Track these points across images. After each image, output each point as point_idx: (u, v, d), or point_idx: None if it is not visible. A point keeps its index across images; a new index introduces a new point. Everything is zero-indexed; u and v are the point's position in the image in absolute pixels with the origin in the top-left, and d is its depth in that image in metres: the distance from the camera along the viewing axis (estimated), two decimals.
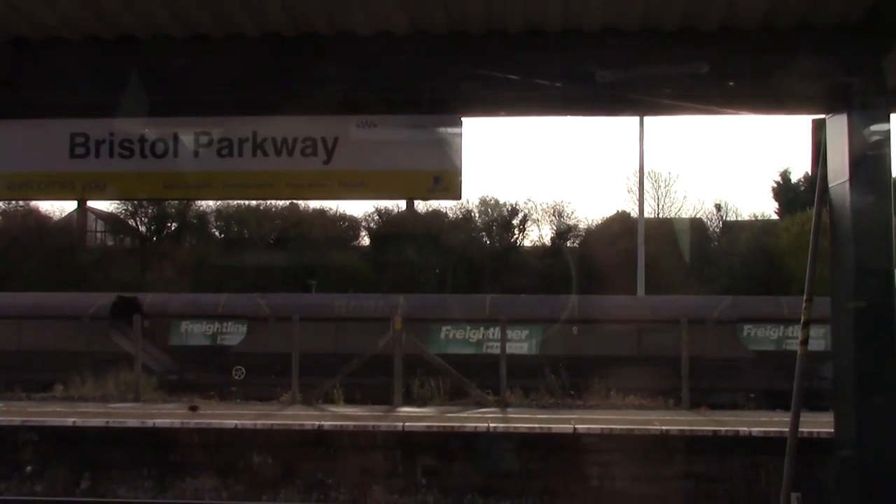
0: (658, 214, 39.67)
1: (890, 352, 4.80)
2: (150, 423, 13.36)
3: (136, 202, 34.57)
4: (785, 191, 39.20)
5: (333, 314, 20.70)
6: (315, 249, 33.89)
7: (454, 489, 12.64)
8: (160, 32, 6.43)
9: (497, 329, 18.19)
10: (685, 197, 69.01)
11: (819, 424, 11.22)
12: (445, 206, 36.77)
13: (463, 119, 6.73)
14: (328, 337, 19.80)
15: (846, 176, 5.27)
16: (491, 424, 13.28)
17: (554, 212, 37.72)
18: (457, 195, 6.82)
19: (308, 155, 6.87)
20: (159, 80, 6.56)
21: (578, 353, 19.05)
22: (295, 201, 34.69)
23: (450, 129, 6.70)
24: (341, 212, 38.33)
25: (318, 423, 13.35)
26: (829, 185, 5.65)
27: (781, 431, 11.44)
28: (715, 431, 13.11)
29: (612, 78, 5.79)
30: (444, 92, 6.54)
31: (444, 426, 13.30)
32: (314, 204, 37.06)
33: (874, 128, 5.29)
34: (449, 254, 32.90)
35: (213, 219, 37.90)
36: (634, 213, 32.05)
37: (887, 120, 5.33)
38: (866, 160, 5.20)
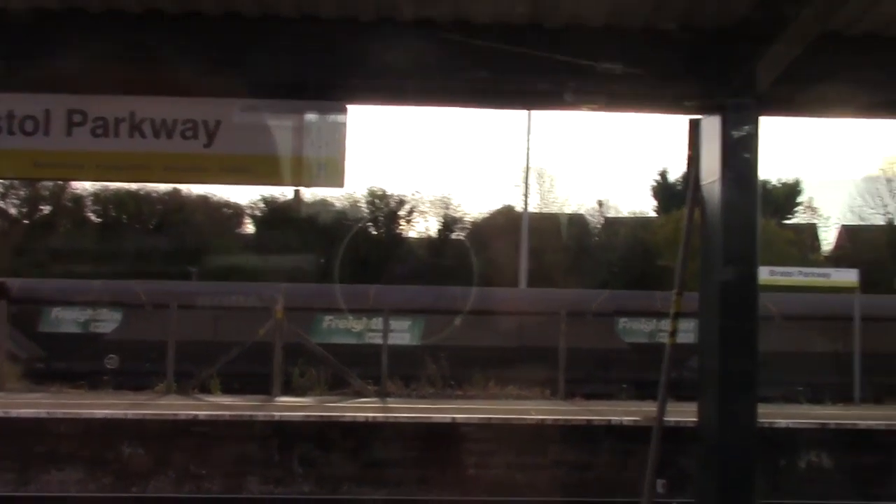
0: (542, 209, 40.40)
1: (752, 343, 5.04)
2: (13, 412, 12.77)
3: (5, 182, 32.93)
4: (663, 189, 40.58)
5: (213, 302, 20.26)
6: (197, 236, 33.08)
7: (331, 479, 12.58)
8: (34, 5, 6.13)
9: (380, 319, 18.21)
10: (569, 193, 70.87)
11: (685, 414, 11.66)
12: (332, 195, 36.58)
13: (349, 106, 6.67)
14: (207, 325, 19.38)
15: (717, 175, 5.48)
16: (370, 414, 13.26)
17: (441, 204, 37.99)
18: (341, 183, 6.75)
19: (188, 138, 6.67)
20: (29, 53, 6.25)
21: (460, 344, 19.22)
22: (177, 186, 33.80)
23: (335, 116, 6.64)
24: (225, 198, 37.55)
25: (193, 412, 13.04)
26: (702, 184, 5.86)
27: (651, 420, 11.86)
28: (588, 421, 13.49)
29: (494, 70, 5.85)
30: (330, 78, 6.46)
31: (322, 416, 13.22)
32: (197, 190, 36.21)
33: (744, 129, 5.51)
34: (334, 243, 32.68)
35: (89, 202, 36.49)
36: (520, 208, 32.56)
37: (756, 122, 5.57)
38: (736, 160, 5.42)
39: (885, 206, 38.51)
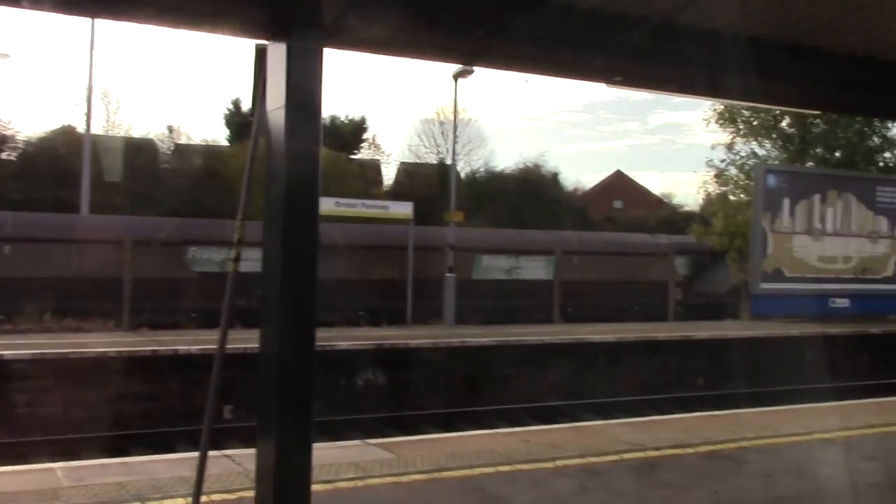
0: (108, 132, 37.91)
1: (312, 269, 5.19)
2: None
3: None
4: (235, 119, 40.35)
5: None
6: None
7: None
8: None
9: None
10: (138, 117, 67.50)
11: (252, 340, 11.93)
12: None
13: None
14: None
15: (282, 103, 5.50)
16: None
17: None
18: None
19: None
20: None
21: (10, 275, 17.52)
22: None
23: None
24: None
25: None
26: (268, 111, 5.87)
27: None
28: (154, 351, 13.18)
29: None
30: None
31: None
32: None
33: (309, 59, 5.58)
34: None
35: None
36: (82, 129, 30.21)
37: (321, 53, 5.67)
38: (300, 89, 5.48)
39: (438, 146, 42.44)
